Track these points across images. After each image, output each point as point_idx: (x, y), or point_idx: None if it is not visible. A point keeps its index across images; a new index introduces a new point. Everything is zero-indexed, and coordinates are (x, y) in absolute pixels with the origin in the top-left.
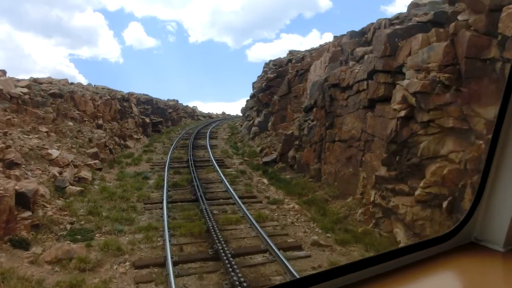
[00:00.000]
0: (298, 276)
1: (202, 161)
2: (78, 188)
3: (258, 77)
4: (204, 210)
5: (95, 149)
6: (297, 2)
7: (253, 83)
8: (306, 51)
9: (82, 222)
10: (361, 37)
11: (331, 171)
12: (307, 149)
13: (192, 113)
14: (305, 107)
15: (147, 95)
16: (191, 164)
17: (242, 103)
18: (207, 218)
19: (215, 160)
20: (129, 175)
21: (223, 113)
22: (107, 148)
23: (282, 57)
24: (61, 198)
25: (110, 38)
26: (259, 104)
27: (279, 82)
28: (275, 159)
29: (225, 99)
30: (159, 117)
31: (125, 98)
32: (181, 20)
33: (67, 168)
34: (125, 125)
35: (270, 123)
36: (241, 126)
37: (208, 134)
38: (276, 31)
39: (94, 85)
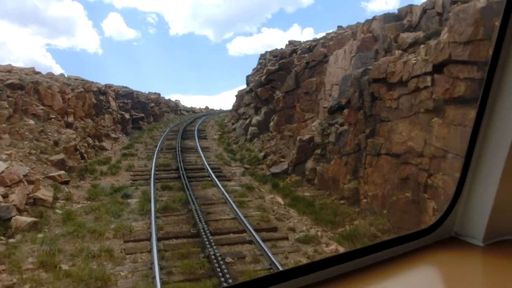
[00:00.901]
0: None
1: (195, 169)
2: (30, 219)
3: (253, 69)
4: (213, 257)
5: (61, 155)
6: None
7: (248, 77)
8: (313, 40)
9: (27, 287)
10: (398, 20)
11: (376, 194)
12: (336, 162)
13: (175, 108)
14: (331, 107)
15: (126, 87)
16: (183, 174)
17: (223, 96)
18: (220, 273)
19: (211, 168)
20: (104, 192)
21: (207, 108)
22: (78, 152)
23: (278, 47)
24: (0, 239)
25: (89, 29)
26: (257, 100)
27: (282, 76)
28: (286, 169)
29: (205, 93)
30: (140, 112)
31: (102, 91)
32: (162, 12)
33: (17, 188)
34: (101, 123)
35: (272, 123)
36: (232, 124)
37: (196, 132)
38: (258, 25)
39: (67, 76)
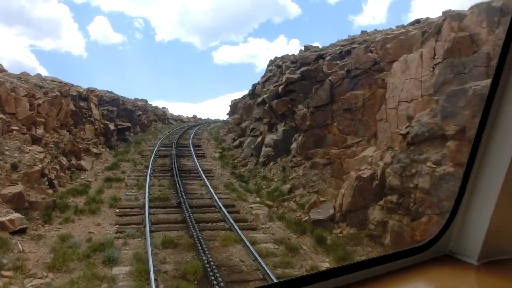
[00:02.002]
0: None
1: (203, 207)
2: None
3: (261, 77)
4: None
5: (19, 187)
6: (267, 6)
7: (255, 86)
8: (337, 44)
9: None
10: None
11: None
12: (431, 219)
13: (163, 116)
14: (415, 136)
15: (112, 92)
16: (189, 217)
17: (206, 105)
18: None
19: (223, 205)
20: (77, 253)
21: (194, 117)
22: (46, 178)
23: (293, 53)
24: None
25: (75, 31)
26: (271, 114)
27: (305, 86)
28: (332, 216)
29: (189, 100)
30: (126, 121)
31: (83, 96)
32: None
33: None
34: (80, 135)
35: (295, 145)
36: (233, 140)
37: (191, 148)
38: (244, 34)
39: (43, 76)
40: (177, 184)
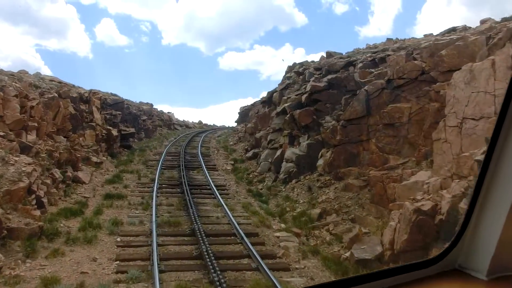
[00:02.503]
0: None
1: (221, 234)
2: None
3: (279, 84)
4: None
5: None
6: (274, 14)
7: (272, 93)
8: (367, 49)
9: None
10: None
11: None
12: None
13: (169, 121)
14: None
15: (116, 95)
16: (207, 251)
17: (211, 110)
18: None
19: (245, 234)
20: None
21: (200, 122)
22: (34, 196)
23: (312, 60)
24: None
25: (81, 32)
26: (293, 125)
27: (333, 96)
28: (380, 255)
29: (193, 105)
30: (130, 127)
31: (84, 98)
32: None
33: None
34: (79, 141)
35: (322, 162)
36: (246, 151)
37: (201, 158)
38: (251, 41)
39: (42, 75)
40: (189, 203)
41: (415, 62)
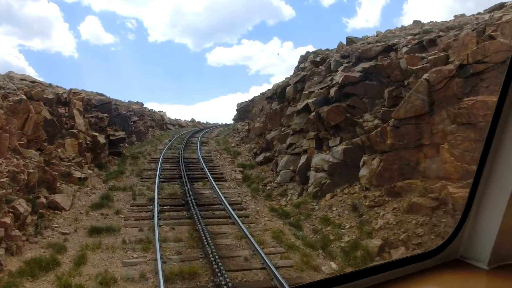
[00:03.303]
0: None
1: None
2: None
3: (291, 76)
4: None
5: None
6: (261, 8)
7: (283, 87)
8: (404, 28)
9: None
10: None
11: None
12: None
13: (161, 121)
14: None
15: (102, 94)
16: None
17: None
18: None
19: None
20: None
21: (193, 121)
22: None
23: (327, 48)
24: None
25: (65, 31)
26: (319, 126)
27: (371, 89)
28: None
29: (182, 102)
30: (119, 130)
31: (63, 100)
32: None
33: None
34: (57, 153)
35: (367, 172)
36: (254, 154)
37: (203, 165)
38: (238, 36)
39: (9, 74)
40: (203, 236)
41: (502, 41)
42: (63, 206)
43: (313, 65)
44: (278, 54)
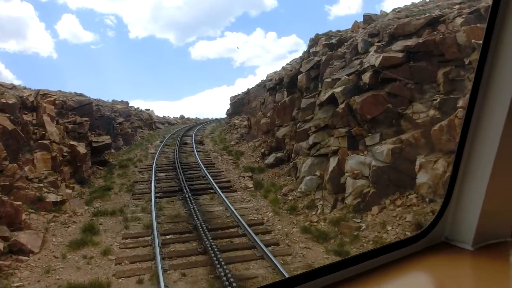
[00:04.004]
0: None
1: None
2: None
3: (303, 62)
4: None
5: None
6: (243, 0)
7: (291, 76)
8: None
9: None
10: None
11: None
12: None
13: (149, 121)
14: None
15: (82, 95)
16: None
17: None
18: None
19: None
20: None
21: (182, 117)
22: None
23: (337, 29)
24: None
25: (42, 31)
26: (349, 119)
27: (418, 71)
28: None
29: (168, 98)
30: (103, 134)
31: (29, 104)
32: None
33: None
34: (22, 174)
35: (428, 178)
36: (263, 156)
37: (205, 172)
38: (221, 28)
39: None
40: (227, 283)
41: None
42: (30, 248)
43: (328, 49)
44: (238, 48)
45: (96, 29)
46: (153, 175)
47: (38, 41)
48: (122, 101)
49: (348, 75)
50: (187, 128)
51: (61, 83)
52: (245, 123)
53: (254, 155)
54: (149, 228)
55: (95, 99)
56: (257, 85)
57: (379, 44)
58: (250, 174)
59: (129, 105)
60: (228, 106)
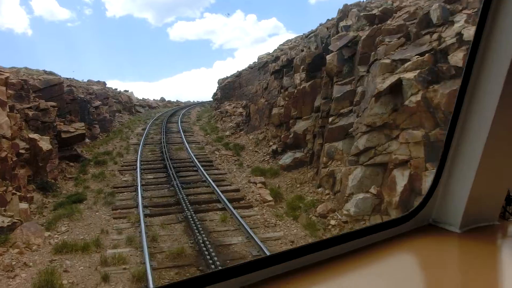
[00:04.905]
0: None
1: None
2: None
3: (333, 39)
4: None
5: None
6: None
7: (314, 56)
8: None
9: None
10: None
11: None
12: None
13: (129, 104)
14: None
15: (52, 73)
16: None
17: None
18: None
19: None
20: None
21: (163, 100)
22: None
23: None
24: None
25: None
26: (426, 118)
27: None
28: None
29: (145, 79)
30: (77, 121)
31: None
32: None
33: None
34: None
35: None
36: (275, 154)
37: (207, 176)
38: (201, 9)
39: None
40: None
41: None
42: None
43: (367, 21)
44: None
45: (72, 6)
46: (138, 177)
47: (12, 17)
48: (98, 81)
49: (420, 55)
50: (171, 113)
51: (36, 62)
52: (241, 110)
53: (259, 151)
54: (141, 281)
55: (67, 79)
56: (250, 67)
57: (469, 11)
58: (262, 179)
59: (106, 86)
60: (211, 90)
